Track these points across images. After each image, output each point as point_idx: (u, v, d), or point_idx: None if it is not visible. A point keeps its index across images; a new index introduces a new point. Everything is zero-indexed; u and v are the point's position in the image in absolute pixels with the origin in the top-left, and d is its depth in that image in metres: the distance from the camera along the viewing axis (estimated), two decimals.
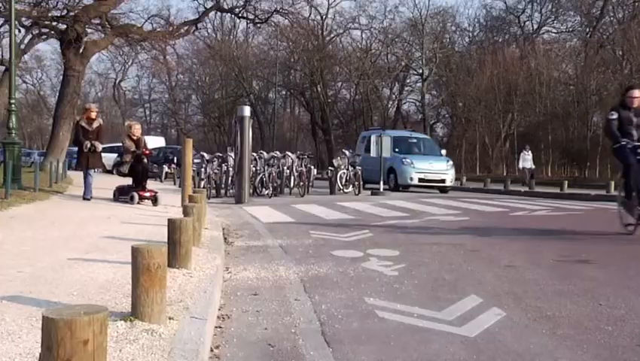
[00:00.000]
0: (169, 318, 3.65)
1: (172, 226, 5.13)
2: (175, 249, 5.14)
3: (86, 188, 11.82)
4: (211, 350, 3.53)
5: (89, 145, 11.49)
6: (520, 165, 25.66)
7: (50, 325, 2.00)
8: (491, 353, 3.49)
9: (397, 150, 19.74)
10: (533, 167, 25.65)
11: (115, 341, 3.19)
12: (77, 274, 4.85)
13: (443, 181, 19.40)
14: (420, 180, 19.11)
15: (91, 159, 11.63)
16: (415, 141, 21.65)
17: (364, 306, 4.57)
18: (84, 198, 11.79)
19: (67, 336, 1.99)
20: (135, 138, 11.59)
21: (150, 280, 3.49)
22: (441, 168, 19.69)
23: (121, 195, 11.97)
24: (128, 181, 11.96)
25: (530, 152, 25.73)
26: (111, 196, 12.21)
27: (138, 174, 11.60)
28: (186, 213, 6.44)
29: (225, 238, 7.95)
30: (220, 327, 4.03)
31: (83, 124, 11.61)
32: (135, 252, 3.51)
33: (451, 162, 20.34)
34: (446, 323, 4.09)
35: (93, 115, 11.71)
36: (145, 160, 11.67)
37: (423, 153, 20.68)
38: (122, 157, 11.78)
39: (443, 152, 21.72)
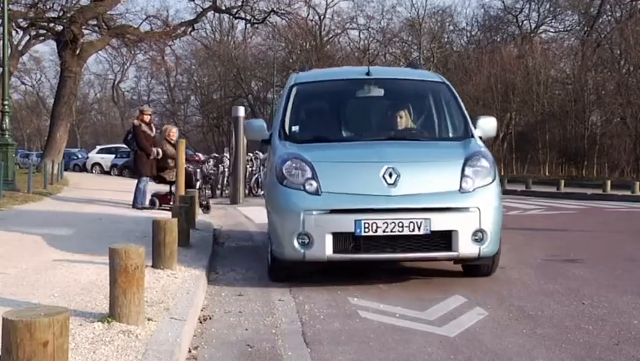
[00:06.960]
0: (148, 319, 3.65)
1: (157, 226, 5.12)
2: (160, 250, 5.14)
3: (143, 195, 10.87)
4: (189, 351, 3.53)
5: (157, 152, 10.69)
6: None
7: (10, 327, 1.99)
8: (468, 353, 3.48)
9: (290, 126, 5.91)
10: None
11: (90, 342, 3.19)
12: (60, 275, 4.85)
13: (447, 238, 4.76)
14: (337, 239, 4.78)
15: (152, 166, 10.74)
16: (379, 95, 6.07)
17: (348, 306, 4.56)
18: (136, 207, 10.78)
19: (26, 338, 1.98)
20: (173, 142, 10.95)
21: (128, 281, 3.49)
22: (436, 189, 4.84)
23: (163, 202, 11.05)
24: (166, 188, 11.25)
25: None
26: (140, 203, 10.92)
27: (191, 181, 10.65)
28: (173, 213, 6.44)
29: (215, 239, 7.94)
30: (201, 328, 4.03)
31: (145, 129, 10.65)
32: (113, 253, 3.51)
33: (484, 160, 5.08)
34: (427, 323, 4.09)
35: (148, 118, 10.88)
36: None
37: (378, 135, 5.81)
38: (161, 163, 10.85)
39: (477, 132, 5.59)
